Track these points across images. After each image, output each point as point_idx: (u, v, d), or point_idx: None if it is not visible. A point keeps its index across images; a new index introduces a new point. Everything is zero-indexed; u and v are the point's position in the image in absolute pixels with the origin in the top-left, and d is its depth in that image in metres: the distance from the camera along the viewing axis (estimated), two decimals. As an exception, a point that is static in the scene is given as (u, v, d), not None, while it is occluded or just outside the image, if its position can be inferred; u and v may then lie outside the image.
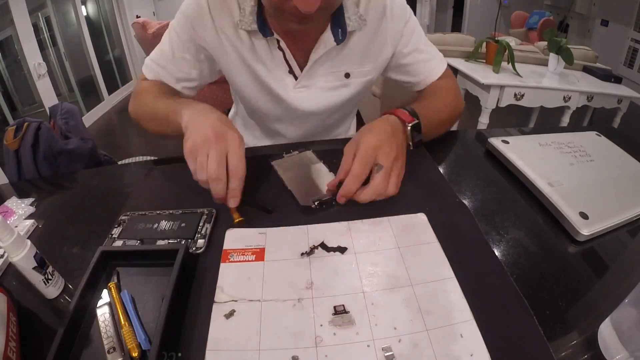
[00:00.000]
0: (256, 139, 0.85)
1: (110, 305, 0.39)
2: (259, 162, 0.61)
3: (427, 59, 0.72)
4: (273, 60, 0.65)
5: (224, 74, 0.72)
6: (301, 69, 0.67)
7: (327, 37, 0.62)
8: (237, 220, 0.49)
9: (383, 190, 0.50)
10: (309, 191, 0.54)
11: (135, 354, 0.34)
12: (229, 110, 1.00)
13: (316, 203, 0.52)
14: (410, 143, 0.60)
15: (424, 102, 0.66)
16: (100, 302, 0.39)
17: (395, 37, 0.68)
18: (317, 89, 0.69)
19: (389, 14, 0.65)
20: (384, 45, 0.68)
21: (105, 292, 0.40)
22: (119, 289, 0.40)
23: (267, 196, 0.55)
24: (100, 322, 0.37)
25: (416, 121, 0.59)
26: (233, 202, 0.48)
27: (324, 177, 0.57)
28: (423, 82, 0.74)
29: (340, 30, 0.62)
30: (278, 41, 0.63)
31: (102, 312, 0.38)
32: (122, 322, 0.36)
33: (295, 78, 0.68)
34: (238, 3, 0.61)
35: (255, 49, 0.64)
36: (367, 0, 0.64)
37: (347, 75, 0.69)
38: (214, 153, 0.47)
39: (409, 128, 0.59)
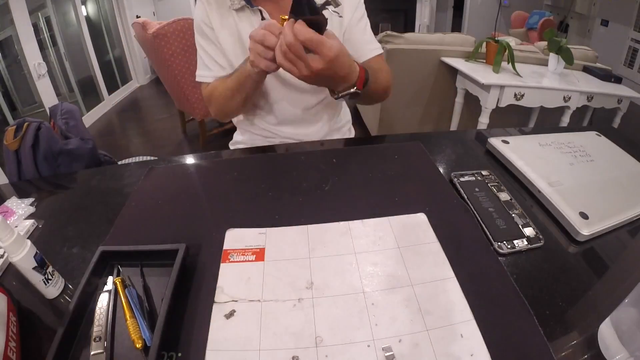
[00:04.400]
0: (263, 131, 0.87)
1: (110, 297, 0.39)
2: (265, 159, 0.61)
3: (367, 41, 0.80)
4: None
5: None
6: None
7: None
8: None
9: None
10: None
11: (139, 345, 0.34)
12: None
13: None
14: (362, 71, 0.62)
15: (371, 67, 0.72)
16: (100, 293, 0.40)
17: (348, 16, 0.77)
18: None
19: None
20: (341, 21, 0.77)
21: (106, 282, 0.41)
22: (124, 284, 0.41)
23: (272, 196, 0.55)
24: (96, 309, 0.38)
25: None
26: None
27: None
28: (358, 60, 0.78)
29: None
30: (261, 11, 0.72)
31: (100, 302, 0.38)
32: (128, 315, 0.37)
33: None
34: None
35: (243, 22, 0.74)
36: None
37: None
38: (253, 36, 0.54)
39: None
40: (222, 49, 0.77)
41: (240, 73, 0.66)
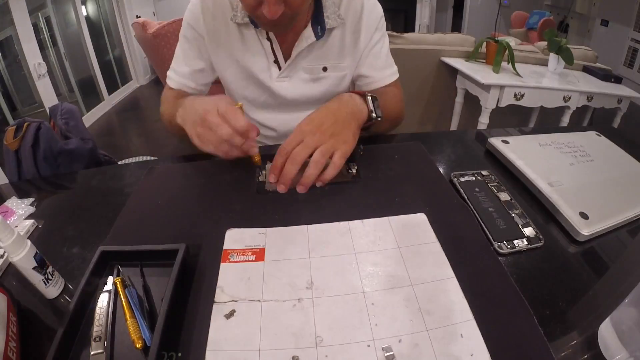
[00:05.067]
0: (262, 142, 0.86)
1: (110, 297, 0.39)
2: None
3: (382, 67, 0.78)
4: (261, 50, 0.71)
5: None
6: (285, 61, 0.73)
7: (308, 33, 0.69)
8: (257, 158, 0.57)
9: (315, 172, 0.53)
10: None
11: (139, 345, 0.34)
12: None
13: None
14: (374, 113, 0.62)
15: (377, 93, 0.71)
16: (100, 293, 0.40)
17: (366, 39, 0.74)
18: (298, 80, 0.75)
19: (366, 16, 0.72)
20: (357, 44, 0.74)
21: (106, 282, 0.41)
22: (124, 284, 0.41)
23: (272, 196, 0.55)
24: (96, 309, 0.38)
25: (374, 95, 0.64)
26: (253, 134, 0.52)
27: None
28: (371, 85, 0.79)
29: (319, 27, 0.69)
30: (267, 33, 0.68)
31: (100, 302, 0.39)
32: (128, 315, 0.37)
33: (279, 68, 0.73)
34: (230, 2, 0.68)
35: (245, 40, 0.71)
36: (347, 3, 0.71)
37: (325, 69, 0.75)
38: (207, 116, 0.51)
39: (369, 97, 0.63)
40: (208, 60, 0.74)
41: (175, 118, 0.61)
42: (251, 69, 0.73)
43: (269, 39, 0.69)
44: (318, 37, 0.69)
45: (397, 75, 0.80)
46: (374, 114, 0.62)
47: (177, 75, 0.76)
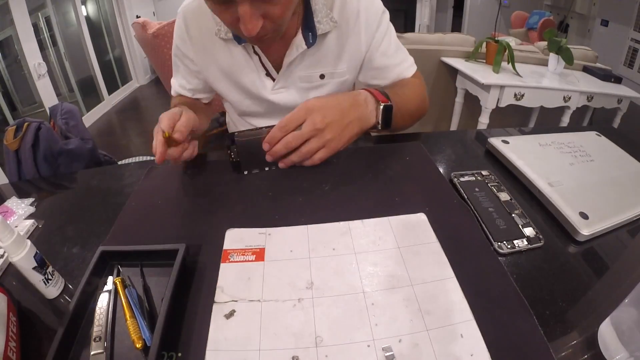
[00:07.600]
0: None
1: (110, 297, 0.39)
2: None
3: (396, 64, 0.74)
4: (251, 64, 0.69)
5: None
6: (277, 72, 0.70)
7: (299, 40, 0.65)
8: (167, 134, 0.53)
9: (297, 160, 0.56)
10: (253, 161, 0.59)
11: (139, 345, 0.34)
12: (224, 113, 1.02)
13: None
14: (379, 125, 0.62)
15: (396, 89, 0.68)
16: (100, 293, 0.40)
17: (368, 39, 0.70)
18: (295, 90, 0.72)
19: (363, 16, 0.67)
20: (358, 46, 0.70)
21: (106, 282, 0.41)
22: (124, 284, 0.41)
23: (272, 196, 0.55)
24: (96, 309, 0.38)
25: (389, 103, 0.61)
26: (177, 136, 0.54)
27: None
28: (390, 81, 0.76)
29: (310, 33, 0.64)
30: (253, 46, 0.66)
31: (100, 302, 0.39)
32: (128, 315, 0.37)
33: (273, 80, 0.71)
34: (214, 17, 0.64)
35: (233, 55, 0.68)
36: (341, 5, 0.66)
37: (322, 77, 0.72)
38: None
39: (381, 107, 0.61)
40: (200, 76, 0.75)
41: None
42: (244, 84, 0.71)
43: (256, 52, 0.67)
44: (309, 45, 0.65)
45: (414, 67, 0.76)
46: (379, 126, 0.62)
47: (175, 84, 0.80)
